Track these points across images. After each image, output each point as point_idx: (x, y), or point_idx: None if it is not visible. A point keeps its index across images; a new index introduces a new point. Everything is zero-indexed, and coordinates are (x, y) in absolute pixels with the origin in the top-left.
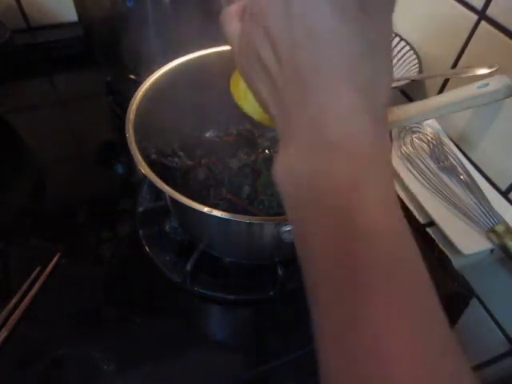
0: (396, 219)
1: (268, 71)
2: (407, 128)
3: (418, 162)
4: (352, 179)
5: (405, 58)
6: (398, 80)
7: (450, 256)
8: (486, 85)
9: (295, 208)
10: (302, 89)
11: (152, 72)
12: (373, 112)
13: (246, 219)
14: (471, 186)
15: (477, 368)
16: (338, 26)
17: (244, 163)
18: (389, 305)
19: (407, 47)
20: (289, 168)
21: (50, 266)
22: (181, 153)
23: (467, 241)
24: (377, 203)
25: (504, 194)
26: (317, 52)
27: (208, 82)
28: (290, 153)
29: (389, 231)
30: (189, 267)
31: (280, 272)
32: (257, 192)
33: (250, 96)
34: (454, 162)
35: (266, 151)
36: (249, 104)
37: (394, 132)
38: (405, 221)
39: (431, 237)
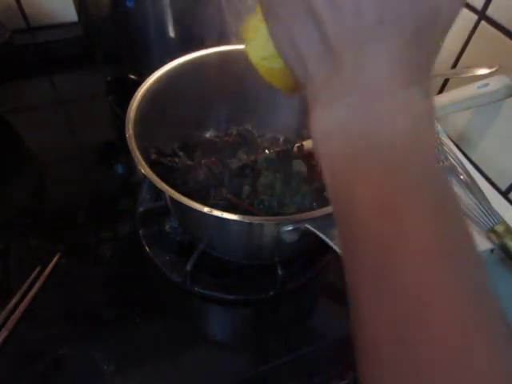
0: (442, 173)
1: (320, 21)
2: None
3: None
4: (409, 133)
5: None
6: None
7: None
8: (486, 85)
9: (342, 160)
10: (360, 49)
11: (152, 72)
12: (425, 83)
13: (246, 219)
14: (471, 186)
15: None
16: None
17: (244, 163)
18: (430, 248)
19: None
20: (335, 124)
21: (50, 266)
22: (181, 153)
23: None
24: (428, 157)
25: (504, 194)
26: (378, 16)
27: (208, 82)
28: (337, 108)
29: (437, 179)
30: (189, 267)
31: (280, 272)
32: (257, 192)
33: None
34: (453, 161)
35: (266, 151)
36: (253, 48)
37: None
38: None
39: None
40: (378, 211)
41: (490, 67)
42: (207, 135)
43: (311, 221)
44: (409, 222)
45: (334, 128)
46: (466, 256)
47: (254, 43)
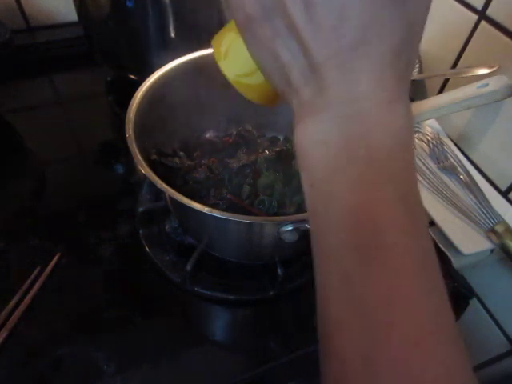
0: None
1: (301, 37)
2: None
3: (418, 161)
4: (387, 148)
5: None
6: None
7: (449, 256)
8: (486, 85)
9: (324, 172)
10: (342, 65)
11: (152, 72)
12: (406, 97)
13: (246, 219)
14: (471, 186)
15: (477, 368)
16: (379, 11)
17: (244, 163)
18: (406, 262)
19: None
20: (319, 136)
21: (50, 266)
22: (181, 153)
23: (467, 241)
24: (405, 172)
25: (504, 194)
26: (360, 34)
27: (208, 82)
28: (322, 120)
29: (413, 196)
30: (189, 267)
31: (280, 272)
32: (257, 192)
33: (233, 57)
34: (453, 161)
35: (266, 151)
36: (230, 65)
37: None
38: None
39: (431, 237)
40: (353, 224)
41: (490, 67)
42: (207, 135)
43: None
44: (383, 236)
45: (317, 140)
46: (435, 271)
47: (229, 59)
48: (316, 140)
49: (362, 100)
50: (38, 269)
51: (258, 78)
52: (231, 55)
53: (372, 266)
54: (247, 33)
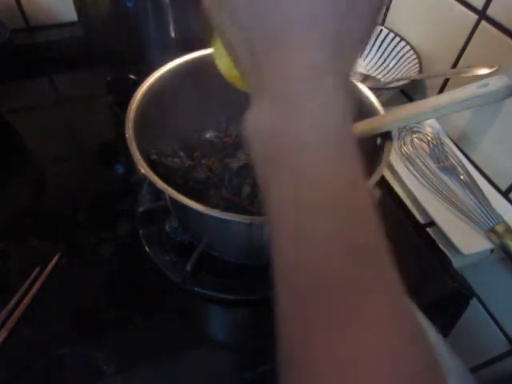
0: (359, 192)
1: (239, 23)
2: (407, 128)
3: (418, 161)
4: (308, 143)
5: (405, 57)
6: (398, 80)
7: (449, 256)
8: (486, 85)
9: (260, 166)
10: (271, 43)
11: (152, 72)
12: (338, 76)
13: (246, 219)
14: (471, 186)
15: (477, 368)
16: None
17: (244, 163)
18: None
19: (407, 47)
20: (257, 124)
21: (50, 266)
22: (181, 153)
23: (467, 241)
24: (336, 173)
25: (504, 194)
26: (285, 9)
27: (208, 82)
28: (259, 108)
29: (350, 204)
30: (189, 267)
31: None
32: (257, 192)
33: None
34: (453, 161)
35: None
36: (218, 57)
37: (394, 132)
38: (369, 194)
39: (431, 237)
40: (283, 213)
41: (490, 67)
42: (207, 135)
43: None
44: (313, 236)
45: (255, 130)
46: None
47: (217, 54)
48: (253, 127)
49: (291, 82)
50: (37, 269)
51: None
52: (219, 50)
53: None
54: (214, 24)
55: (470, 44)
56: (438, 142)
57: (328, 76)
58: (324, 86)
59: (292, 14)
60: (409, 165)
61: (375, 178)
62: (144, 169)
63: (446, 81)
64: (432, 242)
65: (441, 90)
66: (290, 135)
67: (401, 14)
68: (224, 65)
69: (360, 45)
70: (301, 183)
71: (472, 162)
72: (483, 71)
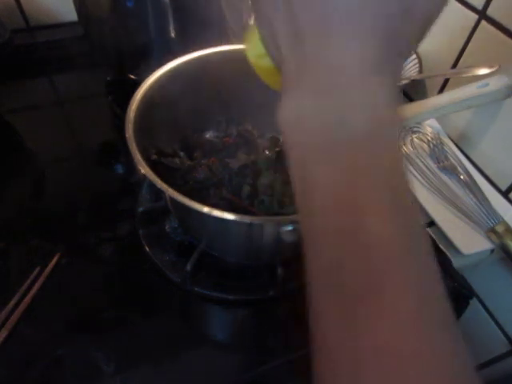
0: (402, 182)
1: (290, 5)
2: (407, 128)
3: (418, 161)
4: (363, 133)
5: None
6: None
7: (449, 256)
8: (486, 85)
9: (299, 153)
10: (327, 34)
11: (152, 72)
12: (388, 77)
13: (246, 219)
14: (471, 186)
15: (477, 368)
16: None
17: (244, 163)
18: (391, 247)
19: None
20: (297, 111)
21: (50, 266)
22: (181, 153)
23: (467, 241)
24: (386, 162)
25: (504, 194)
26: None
27: (208, 81)
28: (300, 96)
29: (399, 182)
30: (189, 267)
31: (280, 272)
32: (257, 192)
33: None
34: (454, 161)
35: (266, 151)
36: (248, 47)
37: None
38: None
39: (431, 237)
40: (336, 207)
41: (490, 67)
42: (207, 135)
43: None
44: (368, 221)
45: (295, 117)
46: (424, 256)
47: (249, 42)
48: (293, 115)
49: (340, 74)
50: (37, 269)
51: (269, 60)
52: (251, 38)
53: (357, 252)
54: (254, 12)
55: (470, 44)
56: (438, 141)
57: (379, 75)
58: (375, 85)
59: (350, 10)
60: (409, 165)
61: None
62: (144, 169)
63: (446, 81)
64: (432, 242)
65: (441, 90)
66: (340, 126)
67: None
68: (254, 55)
69: (413, 47)
70: (355, 173)
71: (472, 162)
72: (483, 71)
